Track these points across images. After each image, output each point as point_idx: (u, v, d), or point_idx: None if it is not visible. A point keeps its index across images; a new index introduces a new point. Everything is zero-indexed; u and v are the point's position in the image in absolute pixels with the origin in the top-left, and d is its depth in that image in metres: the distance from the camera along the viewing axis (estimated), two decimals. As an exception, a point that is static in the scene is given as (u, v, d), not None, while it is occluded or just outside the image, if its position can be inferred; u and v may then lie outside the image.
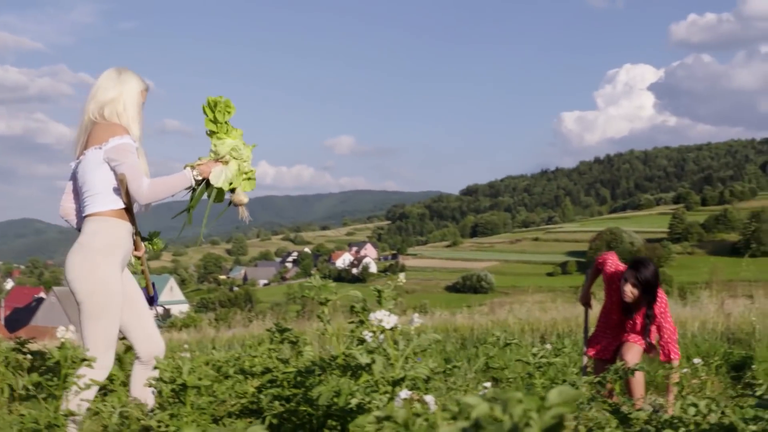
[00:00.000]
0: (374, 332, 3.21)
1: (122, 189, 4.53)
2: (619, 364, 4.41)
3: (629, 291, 6.73)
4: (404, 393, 2.62)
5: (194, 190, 4.86)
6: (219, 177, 4.78)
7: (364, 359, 3.04)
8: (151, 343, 4.87)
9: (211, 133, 4.84)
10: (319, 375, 3.51)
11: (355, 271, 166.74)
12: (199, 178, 4.78)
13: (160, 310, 5.72)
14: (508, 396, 1.00)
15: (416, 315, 3.37)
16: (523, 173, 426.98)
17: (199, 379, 3.26)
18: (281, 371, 3.74)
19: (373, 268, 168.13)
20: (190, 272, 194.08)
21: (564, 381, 4.87)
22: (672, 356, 6.68)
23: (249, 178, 4.97)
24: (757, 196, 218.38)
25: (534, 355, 4.88)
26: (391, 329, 3.15)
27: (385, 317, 3.13)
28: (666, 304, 6.79)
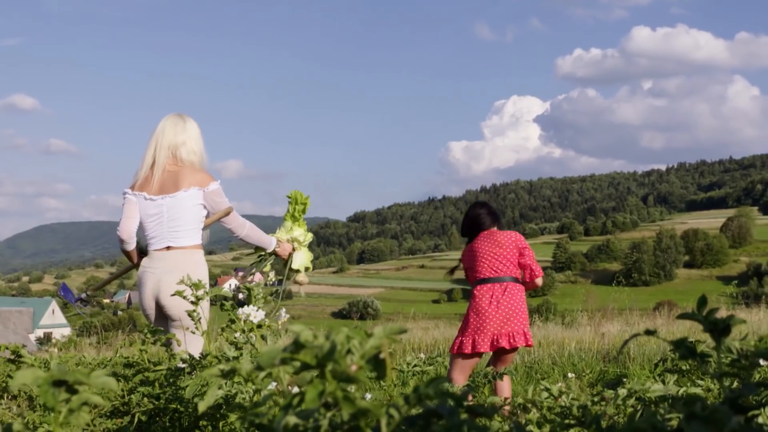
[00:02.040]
0: (244, 330, 3.26)
1: (214, 219, 5.57)
2: (488, 369, 4.53)
3: None
4: (272, 385, 2.68)
5: (262, 255, 6.12)
6: (296, 261, 6.12)
7: (232, 353, 3.09)
8: None
9: (291, 218, 6.19)
10: (190, 373, 3.54)
11: (241, 296, 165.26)
12: (277, 249, 6.01)
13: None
14: (334, 328, 1.07)
15: (284, 310, 3.43)
16: (411, 201, 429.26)
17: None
18: (152, 371, 3.75)
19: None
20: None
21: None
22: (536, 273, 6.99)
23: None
24: (638, 227, 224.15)
25: (408, 363, 4.99)
26: (259, 325, 3.22)
27: (253, 312, 3.19)
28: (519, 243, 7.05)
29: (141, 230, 5.56)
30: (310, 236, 6.23)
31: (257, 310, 3.20)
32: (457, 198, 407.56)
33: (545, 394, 2.55)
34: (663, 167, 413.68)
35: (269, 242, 5.97)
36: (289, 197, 6.23)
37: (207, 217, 5.56)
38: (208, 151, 5.71)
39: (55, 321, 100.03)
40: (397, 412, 1.03)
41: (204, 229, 5.58)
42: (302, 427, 1.04)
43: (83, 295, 6.41)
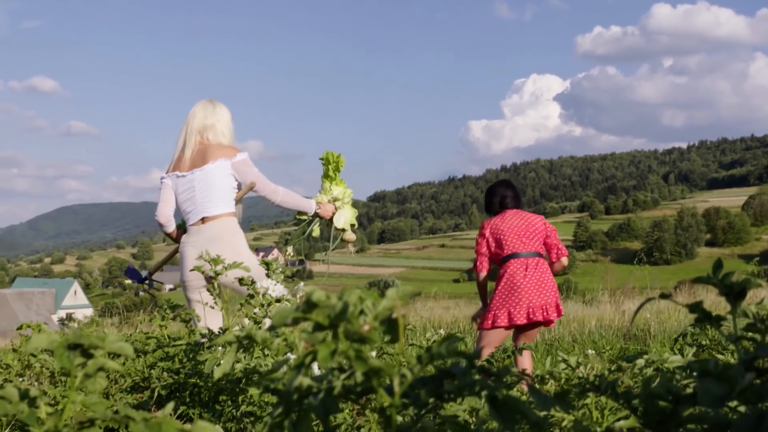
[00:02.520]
0: (262, 305, 3.27)
1: (243, 193, 5.61)
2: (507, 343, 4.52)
3: None
4: (289, 354, 2.69)
5: (304, 221, 6.12)
6: (340, 220, 6.09)
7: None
8: None
9: (326, 178, 6.17)
10: (209, 347, 3.55)
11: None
12: (318, 211, 6.01)
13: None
14: (347, 289, 1.07)
15: (302, 284, 3.43)
16: (431, 180, 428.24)
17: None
18: (172, 345, 3.77)
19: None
20: (94, 276, 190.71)
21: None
22: (562, 252, 7.15)
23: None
24: (659, 206, 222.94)
25: (427, 339, 4.99)
26: (278, 299, 3.22)
27: (271, 286, 3.20)
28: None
29: (179, 210, 5.76)
30: (350, 192, 6.25)
31: (276, 284, 3.21)
32: (477, 177, 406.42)
33: (563, 366, 2.55)
34: (684, 145, 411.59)
35: (309, 205, 6.03)
36: (321, 159, 6.28)
37: (238, 189, 5.67)
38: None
39: (77, 302, 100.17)
40: (409, 372, 1.03)
41: (236, 204, 5.68)
42: (315, 388, 1.04)
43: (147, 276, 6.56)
